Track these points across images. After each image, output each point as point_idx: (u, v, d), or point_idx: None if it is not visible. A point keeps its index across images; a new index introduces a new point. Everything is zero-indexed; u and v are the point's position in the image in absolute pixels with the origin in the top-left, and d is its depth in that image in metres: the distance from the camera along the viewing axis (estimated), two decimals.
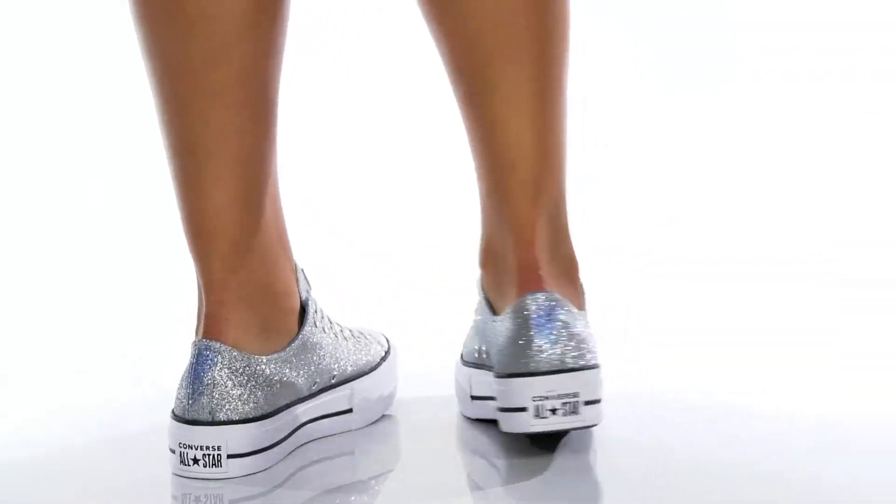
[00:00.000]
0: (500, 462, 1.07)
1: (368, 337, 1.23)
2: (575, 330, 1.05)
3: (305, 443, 1.13)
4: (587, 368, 1.04)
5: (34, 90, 2.09)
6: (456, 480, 1.04)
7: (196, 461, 1.06)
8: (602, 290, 1.19)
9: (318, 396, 1.15)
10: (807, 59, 2.09)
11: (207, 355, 1.07)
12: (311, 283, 1.18)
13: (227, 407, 1.07)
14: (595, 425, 1.05)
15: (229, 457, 1.06)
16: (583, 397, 1.04)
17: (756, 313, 1.61)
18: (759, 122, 2.07)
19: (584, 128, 2.03)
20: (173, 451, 1.06)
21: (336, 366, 1.17)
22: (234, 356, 1.08)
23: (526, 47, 1.06)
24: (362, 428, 1.17)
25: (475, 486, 1.03)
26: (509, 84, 1.06)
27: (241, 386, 1.07)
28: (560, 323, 1.04)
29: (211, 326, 1.09)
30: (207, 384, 1.06)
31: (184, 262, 1.14)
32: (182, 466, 1.06)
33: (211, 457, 1.06)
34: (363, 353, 1.20)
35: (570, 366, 1.04)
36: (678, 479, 1.02)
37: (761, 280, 1.75)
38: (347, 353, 1.18)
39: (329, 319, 1.19)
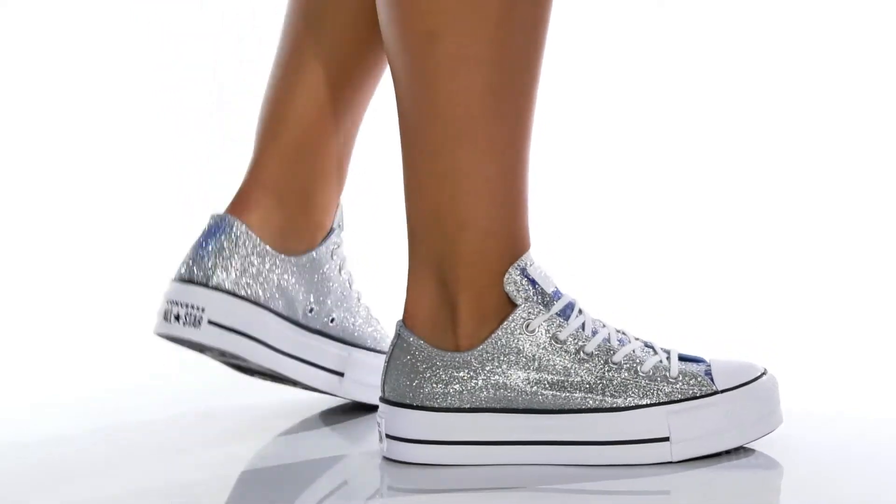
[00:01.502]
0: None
1: (384, 331, 1.23)
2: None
3: (292, 383, 1.14)
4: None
5: (34, 91, 2.09)
6: (458, 480, 1.03)
7: (178, 318, 1.07)
8: (594, 293, 1.19)
9: (312, 335, 1.14)
10: (787, 65, 2.09)
11: (222, 226, 1.09)
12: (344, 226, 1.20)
13: (222, 276, 1.07)
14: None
15: (210, 322, 1.06)
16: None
17: (750, 315, 1.62)
18: (746, 125, 2.07)
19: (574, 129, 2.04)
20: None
21: (337, 313, 1.16)
22: (246, 234, 1.09)
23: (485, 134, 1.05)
24: (358, 425, 1.17)
25: (477, 485, 1.02)
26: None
27: (243, 265, 1.08)
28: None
29: (238, 203, 1.13)
30: (212, 250, 1.08)
31: (178, 261, 1.14)
32: (163, 322, 1.07)
33: (192, 316, 1.08)
34: (376, 331, 1.20)
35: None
36: (678, 478, 1.02)
37: (755, 282, 1.75)
38: (355, 313, 1.18)
39: (350, 274, 1.20)
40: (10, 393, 1.42)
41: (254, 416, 1.24)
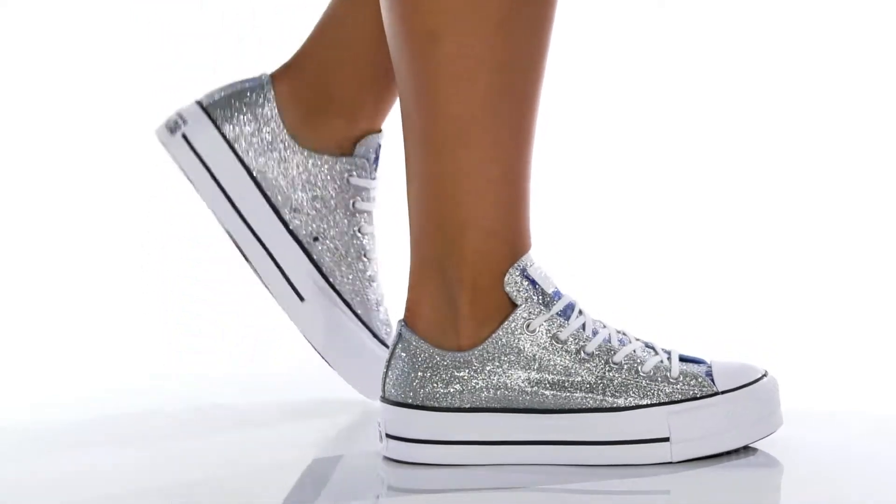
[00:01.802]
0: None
1: (387, 322, 1.20)
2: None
3: (253, 271, 1.14)
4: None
5: (34, 91, 2.09)
6: (458, 480, 1.03)
7: (172, 124, 1.12)
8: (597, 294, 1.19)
9: (291, 238, 1.13)
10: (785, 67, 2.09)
11: (258, 81, 1.13)
12: (378, 166, 1.17)
13: (224, 114, 1.10)
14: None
15: (184, 136, 1.11)
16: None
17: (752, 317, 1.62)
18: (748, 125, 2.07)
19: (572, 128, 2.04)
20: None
21: (324, 238, 1.14)
22: (271, 101, 1.11)
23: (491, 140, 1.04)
24: (358, 425, 1.17)
25: (477, 485, 1.02)
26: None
27: (250, 123, 1.10)
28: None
29: (283, 68, 1.16)
30: (233, 91, 1.12)
31: (178, 261, 1.14)
32: (160, 125, 1.13)
33: (174, 123, 1.12)
34: (372, 305, 1.17)
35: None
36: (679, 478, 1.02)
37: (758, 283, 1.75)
38: (350, 259, 1.15)
39: (368, 231, 1.16)
40: (10, 393, 1.42)
41: (253, 416, 1.24)
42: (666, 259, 1.88)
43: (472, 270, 1.05)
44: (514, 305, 1.06)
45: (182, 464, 1.10)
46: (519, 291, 1.05)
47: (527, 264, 1.06)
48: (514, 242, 1.06)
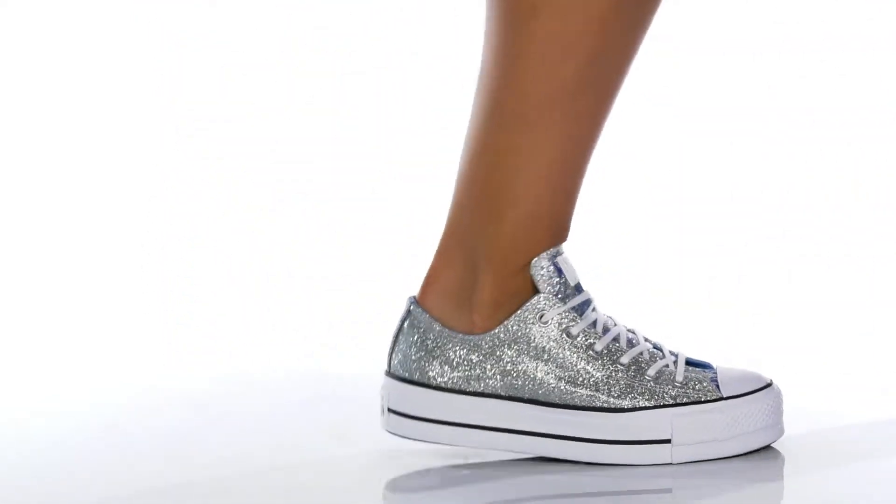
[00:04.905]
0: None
1: None
2: None
3: None
4: None
5: (34, 92, 2.09)
6: (458, 480, 1.03)
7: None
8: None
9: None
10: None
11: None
12: None
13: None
14: None
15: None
16: None
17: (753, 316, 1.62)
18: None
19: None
20: None
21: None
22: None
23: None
24: (359, 425, 1.17)
25: (477, 485, 1.02)
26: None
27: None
28: None
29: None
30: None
31: (178, 261, 1.14)
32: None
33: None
34: None
35: None
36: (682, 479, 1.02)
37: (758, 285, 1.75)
38: None
39: None
40: (10, 395, 1.42)
41: (253, 417, 1.24)
42: (673, 263, 1.88)
43: (505, 248, 1.05)
44: (534, 292, 1.06)
45: (180, 464, 1.10)
46: (543, 277, 1.05)
47: (557, 253, 1.06)
48: (554, 230, 1.06)
